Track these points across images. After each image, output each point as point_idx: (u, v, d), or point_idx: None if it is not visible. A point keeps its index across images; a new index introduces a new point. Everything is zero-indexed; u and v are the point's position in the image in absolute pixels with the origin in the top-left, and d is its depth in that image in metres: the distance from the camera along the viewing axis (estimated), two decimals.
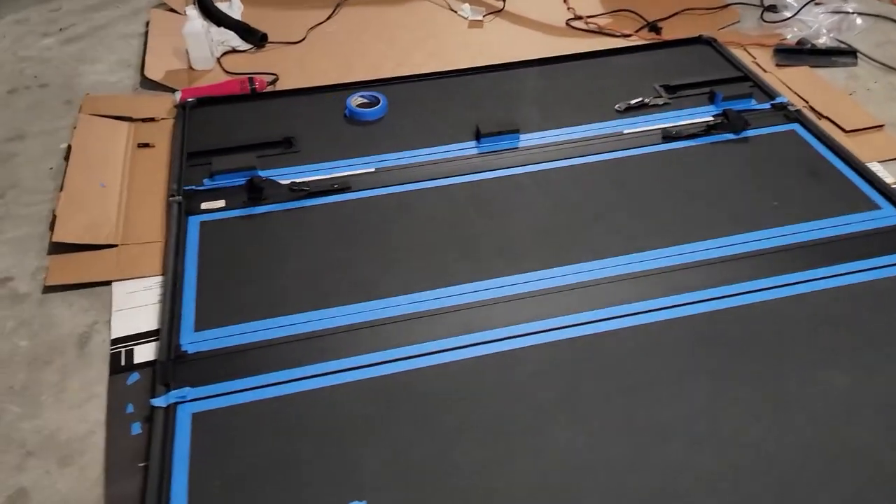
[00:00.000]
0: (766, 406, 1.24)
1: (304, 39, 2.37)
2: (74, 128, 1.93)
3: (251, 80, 2.07)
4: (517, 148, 1.84)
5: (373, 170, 1.78)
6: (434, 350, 1.34)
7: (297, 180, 1.72)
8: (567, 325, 1.38)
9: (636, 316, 1.39)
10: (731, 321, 1.38)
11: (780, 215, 1.62)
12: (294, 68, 2.21)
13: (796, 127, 1.88)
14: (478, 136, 1.86)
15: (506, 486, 1.14)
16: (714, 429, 1.21)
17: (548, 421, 1.23)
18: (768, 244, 1.54)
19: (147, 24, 2.47)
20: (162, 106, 2.04)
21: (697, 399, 1.25)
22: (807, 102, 2.01)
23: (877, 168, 1.78)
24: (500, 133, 1.85)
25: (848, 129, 1.91)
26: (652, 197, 1.68)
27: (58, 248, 1.59)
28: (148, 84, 2.16)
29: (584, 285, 1.46)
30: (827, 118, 1.95)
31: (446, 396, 1.27)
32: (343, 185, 1.72)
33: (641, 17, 2.42)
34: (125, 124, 1.96)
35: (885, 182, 1.70)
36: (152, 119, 1.99)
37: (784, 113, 1.92)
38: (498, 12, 2.51)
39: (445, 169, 1.77)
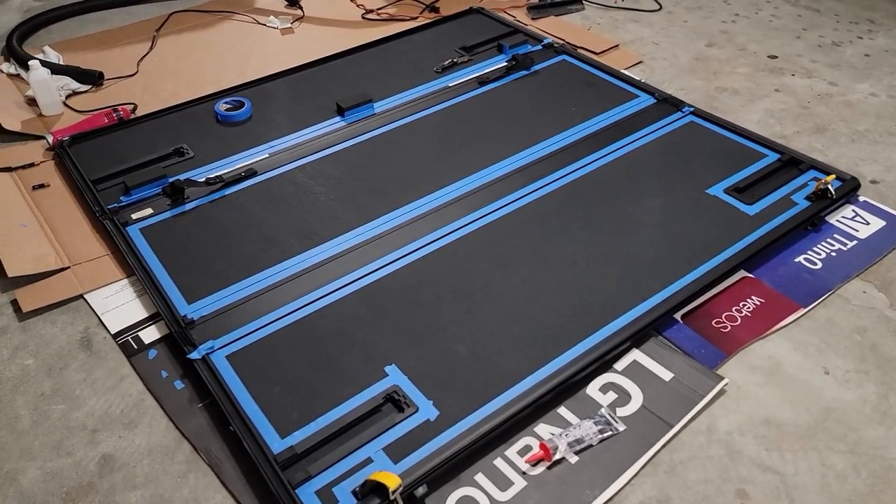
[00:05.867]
0: (621, 225, 1.81)
1: (137, 72, 2.54)
2: None
3: (116, 111, 2.24)
4: (375, 113, 2.26)
5: (266, 155, 2.09)
6: (393, 259, 1.73)
7: (211, 175, 1.97)
8: (480, 216, 1.85)
9: (520, 199, 1.90)
10: (578, 187, 1.95)
11: (580, 115, 2.22)
12: (145, 96, 2.40)
13: (565, 57, 2.52)
14: (341, 112, 2.24)
15: (485, 320, 1.58)
16: (597, 248, 1.75)
17: (492, 276, 1.68)
18: (581, 135, 2.14)
19: None
20: (34, 152, 2.14)
21: (580, 234, 1.79)
22: (564, 40, 2.67)
23: (626, 72, 2.47)
24: (357, 105, 2.25)
25: (598, 51, 2.60)
26: (491, 124, 2.20)
27: (16, 284, 1.70)
28: (4, 138, 2.22)
29: (479, 189, 1.94)
30: (581, 48, 2.62)
31: (417, 284, 1.67)
32: (249, 172, 2.01)
33: (419, 1, 2.94)
34: (6, 175, 2.05)
35: (636, 79, 2.39)
36: (32, 164, 2.09)
37: (553, 49, 2.55)
38: (300, 19, 2.88)
39: (327, 141, 2.14)
